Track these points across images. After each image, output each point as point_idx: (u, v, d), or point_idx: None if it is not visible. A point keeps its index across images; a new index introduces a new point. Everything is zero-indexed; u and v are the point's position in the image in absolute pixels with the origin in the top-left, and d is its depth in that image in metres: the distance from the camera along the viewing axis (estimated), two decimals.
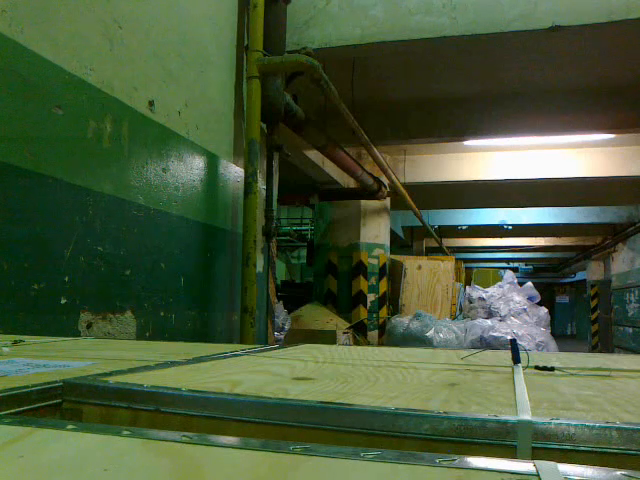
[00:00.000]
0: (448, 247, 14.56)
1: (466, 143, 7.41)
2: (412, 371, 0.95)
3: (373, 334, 7.59)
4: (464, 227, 12.46)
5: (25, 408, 0.66)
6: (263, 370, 0.95)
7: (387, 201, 7.87)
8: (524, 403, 0.64)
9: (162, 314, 2.69)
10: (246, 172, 3.37)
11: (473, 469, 0.40)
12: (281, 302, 5.88)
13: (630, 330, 12.74)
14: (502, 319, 6.95)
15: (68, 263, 2.10)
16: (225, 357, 1.12)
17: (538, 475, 0.39)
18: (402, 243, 12.79)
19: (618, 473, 0.39)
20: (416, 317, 6.64)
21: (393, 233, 9.98)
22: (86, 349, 1.29)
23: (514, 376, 0.87)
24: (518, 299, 7.27)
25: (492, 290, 7.58)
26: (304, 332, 6.06)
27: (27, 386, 0.69)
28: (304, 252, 11.83)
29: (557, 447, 0.54)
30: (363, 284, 7.54)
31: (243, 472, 0.40)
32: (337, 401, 0.64)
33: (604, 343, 14.51)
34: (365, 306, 7.53)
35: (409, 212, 9.19)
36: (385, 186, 7.15)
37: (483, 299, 7.47)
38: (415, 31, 3.68)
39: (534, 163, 8.03)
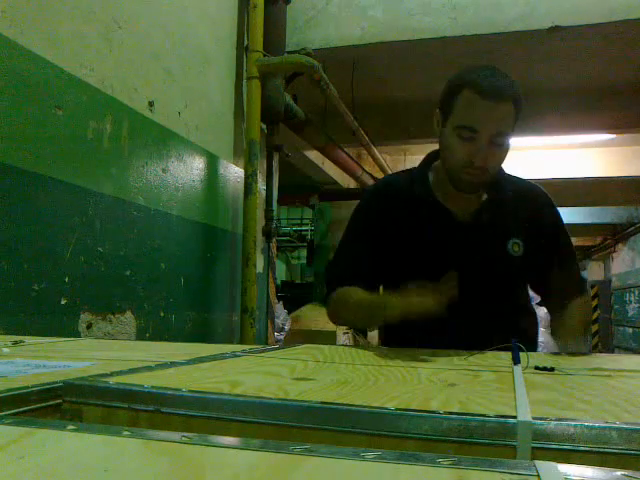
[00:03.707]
0: None
1: None
2: (412, 371, 0.95)
3: (373, 334, 7.58)
4: None
5: (25, 409, 0.66)
6: (263, 370, 0.95)
7: None
8: (524, 403, 0.64)
9: (162, 314, 2.69)
10: (246, 172, 3.37)
11: (473, 469, 0.40)
12: (281, 302, 5.87)
13: (630, 330, 12.74)
14: None
15: (68, 263, 2.10)
16: (225, 357, 1.12)
17: (538, 475, 0.39)
18: None
19: (618, 473, 0.39)
20: None
21: None
22: (86, 349, 1.29)
23: (514, 376, 0.87)
24: None
25: None
26: (304, 332, 6.06)
27: (27, 386, 0.69)
28: (304, 252, 11.82)
29: (557, 447, 0.54)
30: None
31: (243, 472, 0.40)
32: (337, 401, 0.64)
33: (604, 343, 14.51)
34: None
35: None
36: None
37: None
38: (415, 31, 3.68)
39: (534, 163, 8.02)
